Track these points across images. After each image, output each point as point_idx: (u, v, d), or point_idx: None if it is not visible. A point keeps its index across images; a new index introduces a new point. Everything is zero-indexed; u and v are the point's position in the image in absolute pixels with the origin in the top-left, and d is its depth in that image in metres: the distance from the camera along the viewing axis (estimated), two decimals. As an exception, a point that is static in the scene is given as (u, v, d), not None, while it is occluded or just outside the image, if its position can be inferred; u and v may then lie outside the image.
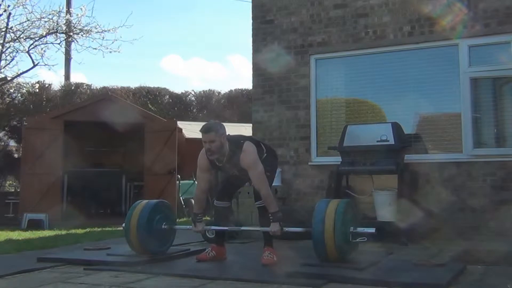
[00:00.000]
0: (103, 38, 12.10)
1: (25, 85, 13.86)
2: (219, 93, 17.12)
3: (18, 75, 12.04)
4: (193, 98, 16.92)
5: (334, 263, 4.05)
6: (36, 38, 11.72)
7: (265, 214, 4.45)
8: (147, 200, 4.94)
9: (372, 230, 4.15)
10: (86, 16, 13.64)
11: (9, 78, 12.14)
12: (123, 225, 4.74)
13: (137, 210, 4.72)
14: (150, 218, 4.66)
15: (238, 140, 4.46)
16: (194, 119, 15.51)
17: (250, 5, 7.67)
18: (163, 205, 4.91)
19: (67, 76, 16.71)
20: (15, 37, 11.50)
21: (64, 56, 15.17)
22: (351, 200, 4.51)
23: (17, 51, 11.65)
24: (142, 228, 4.59)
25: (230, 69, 46.34)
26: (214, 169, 4.70)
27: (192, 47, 51.38)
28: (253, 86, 7.58)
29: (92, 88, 15.58)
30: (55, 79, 38.54)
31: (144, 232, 4.60)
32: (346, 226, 4.08)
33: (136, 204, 4.87)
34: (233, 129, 9.14)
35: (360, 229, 4.18)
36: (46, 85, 14.90)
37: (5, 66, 11.52)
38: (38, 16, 11.65)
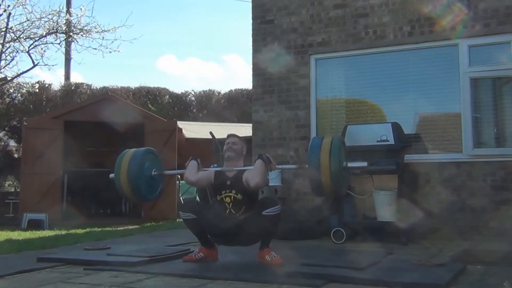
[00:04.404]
0: (103, 38, 12.14)
1: (25, 85, 13.87)
2: (219, 93, 17.12)
3: (18, 75, 12.07)
4: (193, 98, 16.93)
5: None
6: (36, 38, 11.76)
7: (269, 222, 4.35)
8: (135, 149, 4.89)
9: (364, 163, 4.28)
10: (86, 16, 13.66)
11: (9, 78, 12.15)
12: (111, 175, 4.69)
13: (127, 157, 4.67)
14: (141, 164, 4.65)
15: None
16: (194, 119, 15.53)
17: (250, 5, 7.67)
18: (151, 152, 4.93)
19: (67, 76, 16.74)
20: (15, 37, 11.52)
21: (64, 56, 15.21)
22: (341, 138, 4.54)
23: (17, 51, 11.70)
24: (133, 173, 4.57)
25: (227, 69, 46.36)
26: (216, 186, 4.59)
27: (189, 47, 51.42)
28: (253, 86, 7.57)
29: (92, 88, 15.60)
30: (54, 79, 38.57)
31: (135, 177, 4.57)
32: (340, 161, 4.21)
33: (125, 152, 4.80)
34: (233, 129, 9.17)
35: (351, 164, 4.36)
36: (46, 85, 14.92)
37: (5, 66, 11.56)
38: (38, 16, 11.70)
